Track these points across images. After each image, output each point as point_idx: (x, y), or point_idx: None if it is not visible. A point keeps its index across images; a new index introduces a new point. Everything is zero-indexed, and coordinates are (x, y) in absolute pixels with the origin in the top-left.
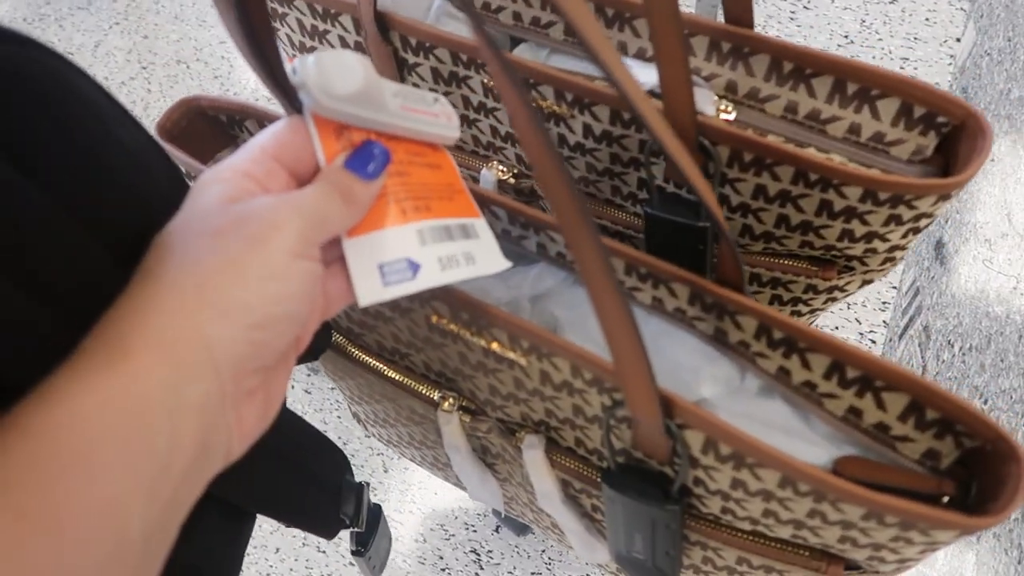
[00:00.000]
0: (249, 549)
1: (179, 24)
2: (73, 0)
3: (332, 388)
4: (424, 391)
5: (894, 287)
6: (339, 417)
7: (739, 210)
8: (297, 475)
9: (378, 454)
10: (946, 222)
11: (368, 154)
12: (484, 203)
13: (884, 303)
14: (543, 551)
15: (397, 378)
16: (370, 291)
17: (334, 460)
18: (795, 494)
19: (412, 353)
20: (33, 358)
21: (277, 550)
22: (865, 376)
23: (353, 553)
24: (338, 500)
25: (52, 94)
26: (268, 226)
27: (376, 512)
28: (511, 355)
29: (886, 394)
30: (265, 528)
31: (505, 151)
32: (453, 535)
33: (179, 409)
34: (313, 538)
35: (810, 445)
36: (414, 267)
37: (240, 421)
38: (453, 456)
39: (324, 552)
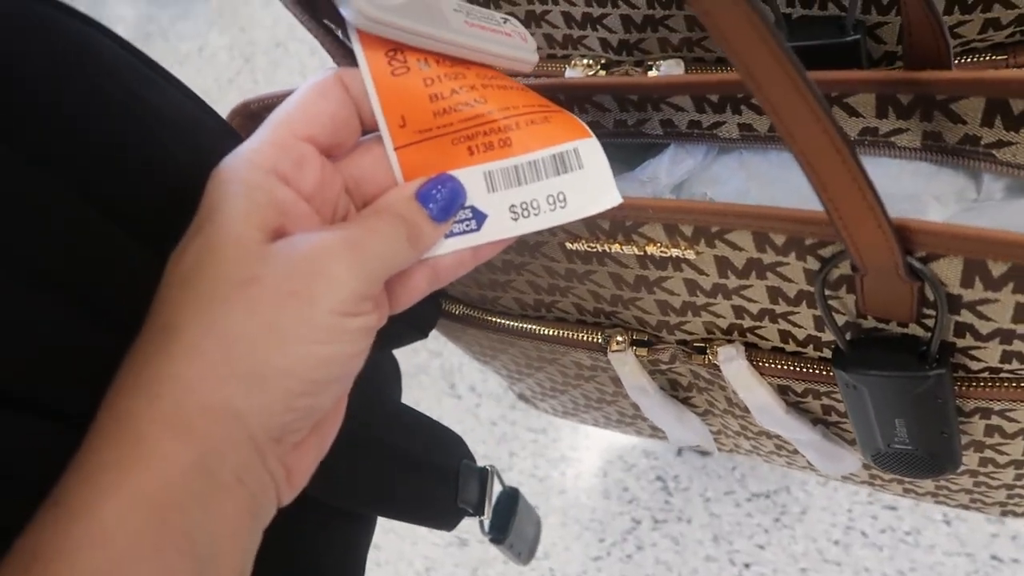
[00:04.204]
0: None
1: (271, 8)
2: (172, 12)
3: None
4: (585, 337)
5: None
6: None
7: None
8: (403, 467)
9: None
10: None
11: (441, 189)
12: (585, 94)
13: None
14: (733, 468)
15: (551, 333)
16: None
17: (444, 445)
18: None
19: (558, 299)
20: (48, 359)
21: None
22: None
23: (491, 540)
24: (455, 488)
25: (63, 55)
26: (315, 281)
27: (512, 496)
28: (674, 252)
29: None
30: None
31: (586, 39)
32: (634, 465)
33: (213, 493)
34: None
35: None
36: (479, 217)
37: (290, 472)
38: (641, 400)
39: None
